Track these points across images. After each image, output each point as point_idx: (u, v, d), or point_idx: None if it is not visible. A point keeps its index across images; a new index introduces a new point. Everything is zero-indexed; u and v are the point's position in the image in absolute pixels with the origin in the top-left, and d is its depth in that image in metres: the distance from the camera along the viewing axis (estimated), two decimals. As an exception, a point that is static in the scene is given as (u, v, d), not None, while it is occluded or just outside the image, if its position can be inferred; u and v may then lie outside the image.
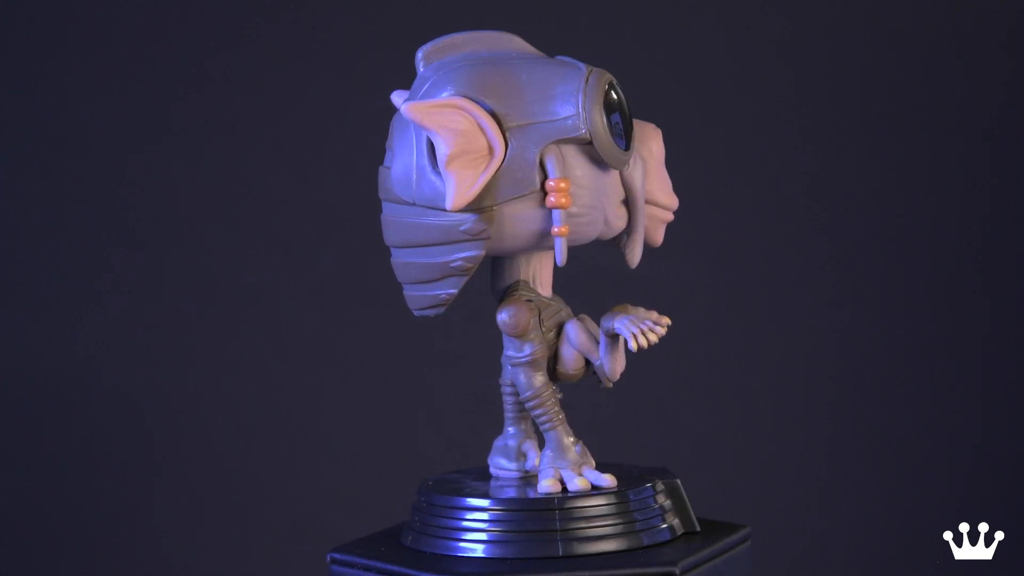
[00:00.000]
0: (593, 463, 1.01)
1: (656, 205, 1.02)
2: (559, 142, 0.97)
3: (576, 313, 1.03)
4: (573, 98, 0.96)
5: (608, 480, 0.99)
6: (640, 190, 1.00)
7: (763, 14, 1.70)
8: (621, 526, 0.98)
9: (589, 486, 0.99)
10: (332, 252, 1.67)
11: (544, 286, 1.02)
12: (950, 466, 1.69)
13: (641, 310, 0.98)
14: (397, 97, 1.03)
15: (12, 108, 1.66)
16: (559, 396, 1.03)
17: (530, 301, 1.01)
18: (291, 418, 1.67)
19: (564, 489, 0.99)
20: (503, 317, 1.01)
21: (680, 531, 1.00)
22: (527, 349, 1.00)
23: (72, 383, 1.65)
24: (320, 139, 1.67)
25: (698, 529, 1.01)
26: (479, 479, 1.04)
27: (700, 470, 1.66)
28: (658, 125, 1.04)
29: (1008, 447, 1.70)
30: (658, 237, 1.03)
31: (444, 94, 0.98)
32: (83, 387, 1.65)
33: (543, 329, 1.01)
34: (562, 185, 0.97)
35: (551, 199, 0.97)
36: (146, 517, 1.66)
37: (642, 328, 0.96)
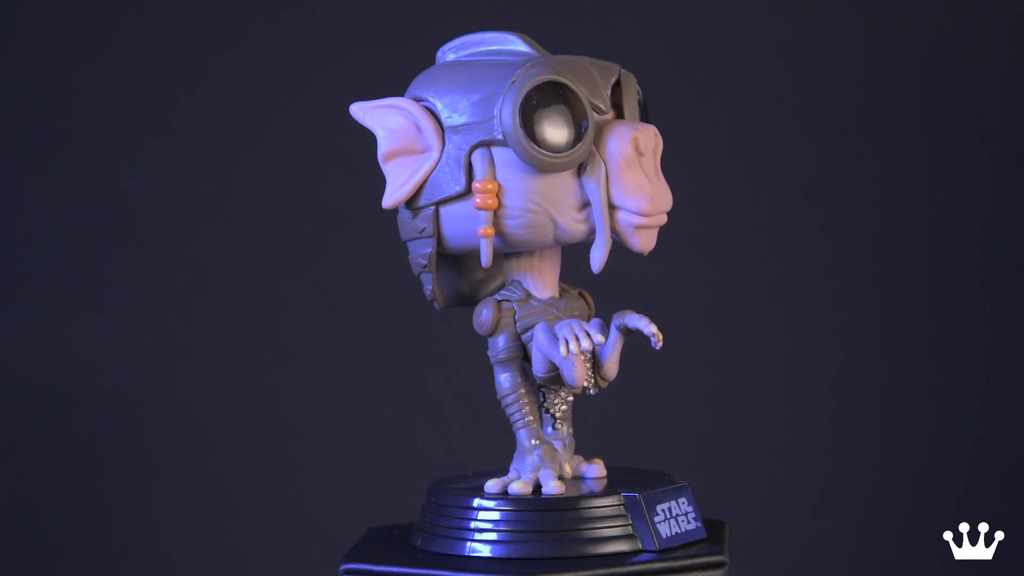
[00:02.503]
0: (557, 468, 1.00)
1: (624, 210, 0.98)
2: (487, 143, 0.97)
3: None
4: (498, 99, 0.97)
5: (555, 487, 0.99)
6: (596, 193, 0.97)
7: (763, 14, 1.70)
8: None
9: (529, 491, 0.99)
10: (332, 252, 1.67)
11: (541, 286, 1.02)
12: (950, 466, 1.69)
13: (631, 315, 0.98)
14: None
15: (12, 108, 1.66)
16: (569, 399, 1.03)
17: (505, 300, 1.01)
18: (291, 418, 1.67)
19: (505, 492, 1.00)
20: (474, 315, 1.02)
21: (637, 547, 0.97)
22: (497, 347, 1.01)
23: (72, 383, 1.65)
24: (320, 139, 1.67)
25: (656, 548, 0.97)
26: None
27: (700, 470, 1.66)
28: (658, 125, 1.03)
29: (1008, 447, 1.70)
30: (638, 243, 0.99)
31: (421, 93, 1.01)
32: (83, 387, 1.65)
33: (517, 329, 1.01)
34: (488, 187, 0.98)
35: (475, 200, 0.98)
36: (146, 517, 1.66)
37: (576, 334, 0.96)
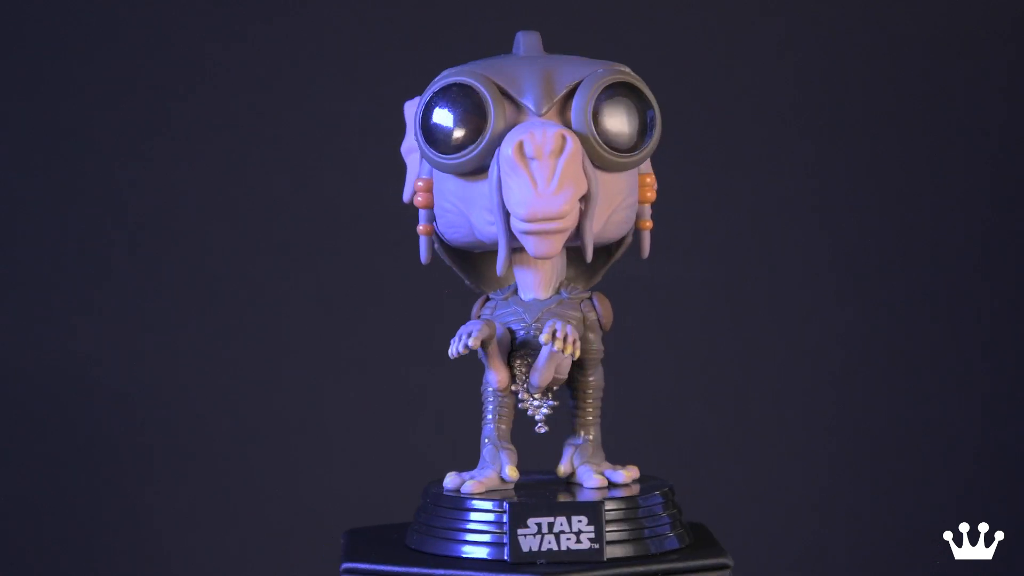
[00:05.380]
0: (498, 468, 1.01)
1: (511, 214, 0.96)
2: None
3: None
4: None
5: (471, 486, 1.00)
6: (490, 196, 0.97)
7: (763, 13, 1.70)
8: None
9: (456, 487, 1.00)
10: (332, 252, 1.67)
11: (527, 286, 1.02)
12: (950, 466, 1.69)
13: (547, 323, 0.98)
14: None
15: (12, 108, 1.66)
16: (554, 403, 1.03)
17: (489, 299, 1.03)
18: (291, 418, 1.67)
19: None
20: None
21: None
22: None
23: (72, 383, 1.65)
24: (321, 139, 1.67)
25: (508, 560, 0.96)
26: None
27: (699, 471, 1.66)
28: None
29: (1008, 447, 1.70)
30: (530, 248, 0.97)
31: None
32: (83, 387, 1.65)
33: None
34: (421, 184, 1.01)
35: (416, 198, 1.02)
36: (145, 517, 1.66)
37: (461, 335, 0.98)
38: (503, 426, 1.02)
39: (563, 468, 1.04)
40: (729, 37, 1.70)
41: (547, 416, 1.02)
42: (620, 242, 1.04)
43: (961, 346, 1.70)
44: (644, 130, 0.99)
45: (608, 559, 0.95)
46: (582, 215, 0.97)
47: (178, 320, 1.66)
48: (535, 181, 0.95)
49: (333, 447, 1.67)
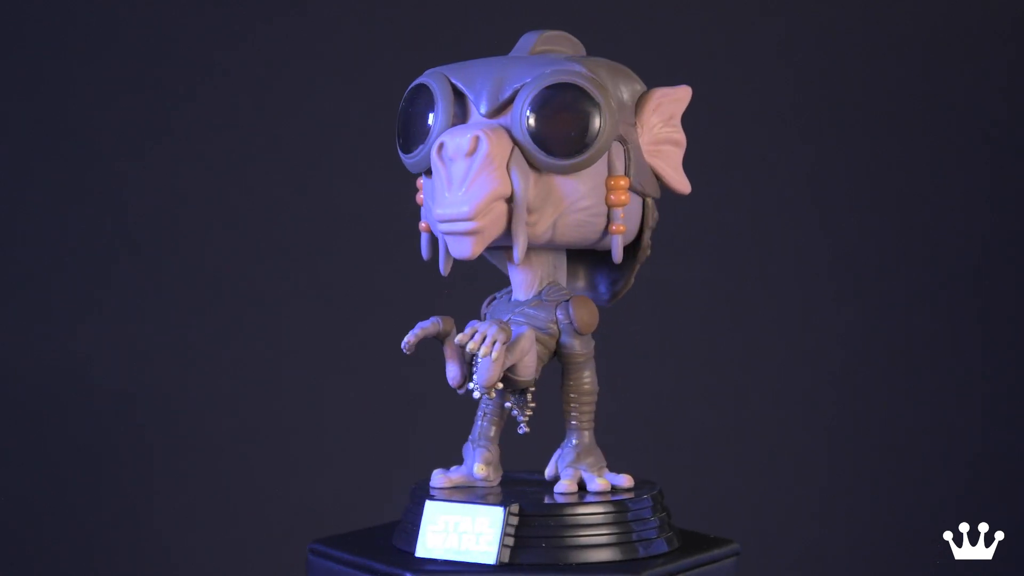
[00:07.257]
0: (469, 467, 1.02)
1: None
2: None
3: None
4: None
5: (440, 480, 1.02)
6: (425, 198, 0.99)
7: (763, 13, 1.70)
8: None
9: (434, 482, 1.02)
10: (332, 252, 1.67)
11: (516, 287, 1.03)
12: (950, 466, 1.69)
13: (472, 328, 0.97)
14: None
15: (12, 108, 1.66)
16: (532, 405, 1.02)
17: (493, 299, 1.04)
18: (290, 418, 1.67)
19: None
20: None
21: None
22: None
23: (72, 383, 1.65)
24: (321, 140, 1.67)
25: (412, 552, 0.97)
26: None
27: (698, 471, 1.66)
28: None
29: (1008, 447, 1.70)
30: (451, 248, 0.97)
31: None
32: (83, 387, 1.65)
33: None
34: (421, 183, 1.02)
35: (418, 195, 1.02)
36: (144, 516, 1.66)
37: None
38: (490, 426, 1.03)
39: (548, 471, 1.04)
40: (729, 37, 1.69)
41: (529, 417, 1.02)
42: (639, 245, 1.03)
43: (961, 346, 1.70)
44: (593, 133, 0.97)
45: (501, 563, 0.95)
46: (511, 217, 0.96)
47: (178, 320, 1.66)
48: (449, 182, 0.95)
49: (333, 447, 1.67)
